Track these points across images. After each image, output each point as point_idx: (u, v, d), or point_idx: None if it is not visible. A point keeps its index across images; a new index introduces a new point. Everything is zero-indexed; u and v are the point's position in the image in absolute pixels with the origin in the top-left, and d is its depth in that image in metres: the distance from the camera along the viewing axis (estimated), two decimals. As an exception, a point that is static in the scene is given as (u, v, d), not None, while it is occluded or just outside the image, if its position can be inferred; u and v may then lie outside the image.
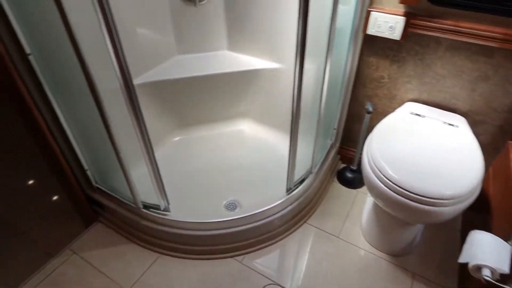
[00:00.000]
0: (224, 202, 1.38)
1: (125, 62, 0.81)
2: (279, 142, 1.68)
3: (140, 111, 0.91)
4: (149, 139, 0.99)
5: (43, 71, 0.99)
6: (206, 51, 1.61)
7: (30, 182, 1.61)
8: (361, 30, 1.24)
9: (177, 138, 1.67)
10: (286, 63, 1.54)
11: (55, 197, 1.51)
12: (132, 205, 1.20)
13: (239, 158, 1.60)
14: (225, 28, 1.58)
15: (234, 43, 1.62)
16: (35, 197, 1.53)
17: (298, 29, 0.85)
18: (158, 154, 1.55)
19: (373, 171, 1.03)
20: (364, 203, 1.49)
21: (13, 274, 1.19)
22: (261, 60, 1.61)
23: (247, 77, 1.60)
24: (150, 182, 1.09)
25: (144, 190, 1.15)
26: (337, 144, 1.62)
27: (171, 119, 1.63)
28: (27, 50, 0.93)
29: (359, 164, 1.60)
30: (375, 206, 1.23)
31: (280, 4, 1.40)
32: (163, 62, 1.54)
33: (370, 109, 1.34)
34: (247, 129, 1.77)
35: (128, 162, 1.06)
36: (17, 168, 1.70)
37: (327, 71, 1.09)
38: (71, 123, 1.13)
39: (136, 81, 1.41)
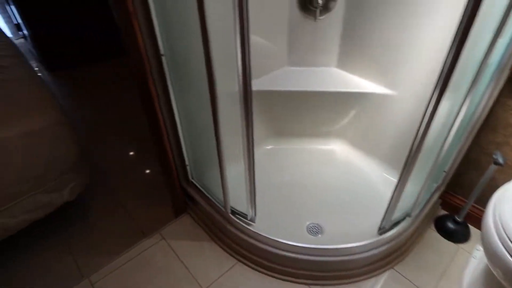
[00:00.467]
0: (307, 223, 1.33)
1: (249, 69, 0.82)
2: (374, 171, 1.56)
3: (252, 118, 0.91)
4: (253, 148, 0.99)
5: (170, 71, 1.07)
6: (315, 66, 1.58)
7: (140, 161, 1.81)
8: (508, 68, 1.06)
9: (269, 147, 1.68)
10: (399, 90, 1.41)
11: (156, 181, 1.66)
12: (222, 208, 1.23)
13: (327, 179, 1.53)
14: (338, 45, 1.52)
15: (345, 61, 1.55)
16: (140, 175, 1.71)
17: (446, 59, 0.75)
18: (249, 159, 1.58)
19: (501, 239, 0.86)
20: (467, 262, 1.28)
21: (113, 245, 1.34)
22: (371, 82, 1.51)
23: (352, 98, 1.51)
24: (239, 187, 1.10)
25: (232, 194, 1.17)
26: (442, 188, 1.43)
27: (267, 127, 1.64)
28: (162, 51, 1.01)
29: (467, 216, 1.39)
30: (488, 275, 1.04)
31: (406, 29, 1.29)
32: (272, 71, 1.56)
33: (500, 160, 1.14)
34: (340, 150, 1.68)
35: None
36: (132, 146, 1.92)
37: (463, 110, 0.95)
38: (183, 120, 1.20)
39: (244, 87, 1.45)
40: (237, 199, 1.19)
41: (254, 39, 1.44)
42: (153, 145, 1.25)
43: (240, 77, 0.83)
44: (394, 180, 1.48)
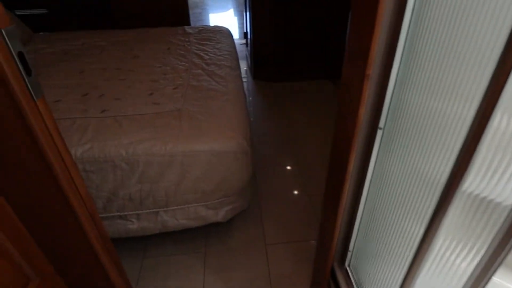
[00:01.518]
0: None
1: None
2: None
3: None
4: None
5: (381, 146, 0.83)
6: None
7: (299, 206, 1.62)
8: None
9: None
10: None
11: (306, 239, 1.49)
12: (373, 331, 0.91)
13: None
14: None
15: None
16: (293, 222, 1.54)
17: None
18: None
19: None
20: None
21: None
22: None
23: None
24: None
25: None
26: None
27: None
28: (381, 123, 0.77)
29: None
30: None
31: None
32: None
33: None
34: None
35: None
36: (297, 184, 1.71)
37: None
38: (369, 201, 0.94)
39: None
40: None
41: None
42: (323, 209, 1.05)
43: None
44: None
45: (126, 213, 1.19)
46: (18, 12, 2.55)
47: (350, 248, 1.05)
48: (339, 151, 0.84)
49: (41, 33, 2.39)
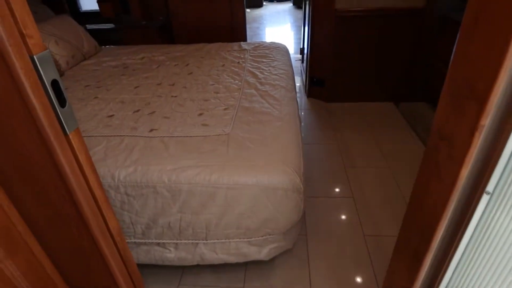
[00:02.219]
0: None
1: None
2: None
3: None
4: None
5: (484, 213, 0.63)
6: None
7: (351, 243, 1.39)
8: None
9: None
10: None
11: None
12: None
13: None
14: None
15: None
16: (344, 268, 1.34)
17: None
18: None
19: None
20: None
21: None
22: None
23: None
24: None
25: None
26: None
27: None
28: (490, 187, 0.58)
29: None
30: None
31: None
32: None
33: None
34: None
35: None
36: (352, 221, 1.46)
37: None
38: (458, 278, 0.73)
39: None
40: None
41: None
42: (389, 279, 0.86)
43: None
44: None
45: (164, 241, 1.11)
46: (89, 27, 2.74)
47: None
48: (424, 213, 0.66)
49: (107, 46, 2.53)
